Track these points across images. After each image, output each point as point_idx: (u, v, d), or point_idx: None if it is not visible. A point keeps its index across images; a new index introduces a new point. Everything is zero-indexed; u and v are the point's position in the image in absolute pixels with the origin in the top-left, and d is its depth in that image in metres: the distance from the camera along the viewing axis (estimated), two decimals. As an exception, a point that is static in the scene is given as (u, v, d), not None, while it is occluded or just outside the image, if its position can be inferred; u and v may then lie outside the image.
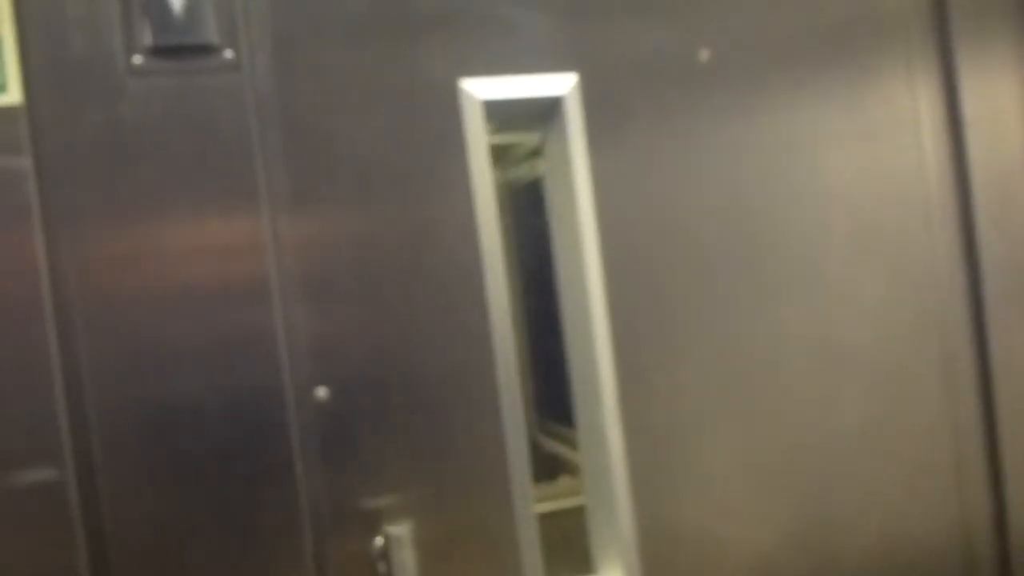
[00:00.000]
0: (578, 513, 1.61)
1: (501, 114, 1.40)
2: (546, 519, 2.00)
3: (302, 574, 1.27)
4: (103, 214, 1.20)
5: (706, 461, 1.49)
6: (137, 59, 1.19)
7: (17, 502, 1.16)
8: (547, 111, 1.44)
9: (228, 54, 1.24)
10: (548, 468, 2.44)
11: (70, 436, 1.17)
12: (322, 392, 1.28)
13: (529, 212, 2.36)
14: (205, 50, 1.23)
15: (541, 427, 2.50)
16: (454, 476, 1.36)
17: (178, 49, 1.21)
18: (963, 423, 1.62)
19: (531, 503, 1.38)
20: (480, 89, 1.35)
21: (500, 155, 2.47)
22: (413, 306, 1.34)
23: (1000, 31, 1.63)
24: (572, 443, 1.76)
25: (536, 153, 1.68)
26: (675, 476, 1.47)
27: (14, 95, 1.15)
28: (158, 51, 1.20)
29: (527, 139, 2.23)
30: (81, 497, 1.18)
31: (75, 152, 1.19)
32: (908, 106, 1.60)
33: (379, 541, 1.29)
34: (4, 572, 1.15)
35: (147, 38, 1.20)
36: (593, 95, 1.42)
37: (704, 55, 1.47)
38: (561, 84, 1.39)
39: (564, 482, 2.24)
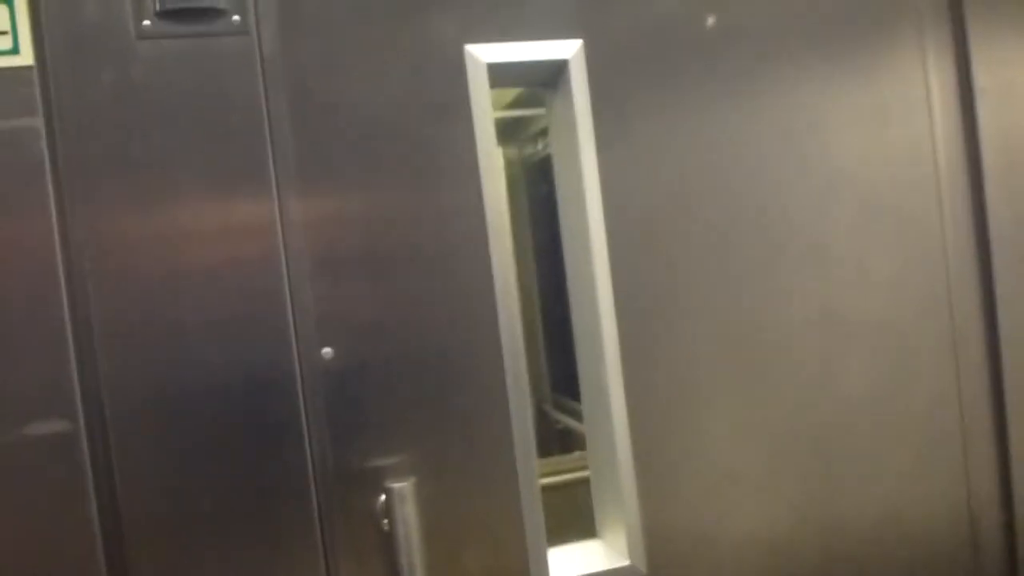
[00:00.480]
0: (589, 484, 1.62)
1: (506, 77, 1.41)
2: (558, 489, 2.03)
3: (308, 529, 1.30)
4: (114, 175, 1.23)
5: (710, 433, 1.49)
6: (147, 21, 1.22)
7: (33, 452, 1.19)
8: (552, 75, 1.45)
9: (235, 18, 1.26)
10: (563, 442, 2.46)
11: (80, 390, 1.21)
12: (327, 352, 1.30)
13: (543, 188, 2.38)
14: (213, 14, 1.25)
15: (555, 402, 2.53)
16: (458, 441, 1.37)
17: (186, 12, 1.23)
18: (970, 398, 1.61)
19: (534, 465, 1.39)
20: (485, 53, 1.36)
21: (514, 132, 2.50)
22: (419, 275, 1.35)
23: (1013, 4, 1.61)
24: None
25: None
26: (679, 447, 1.48)
27: (27, 56, 1.18)
28: (167, 14, 1.23)
29: (540, 114, 2.25)
30: (91, 448, 1.21)
31: (86, 113, 1.21)
32: (919, 78, 1.58)
33: (383, 498, 1.31)
34: (20, 517, 1.19)
35: (157, 1, 1.22)
36: (598, 61, 1.42)
37: (711, 20, 1.47)
38: (566, 49, 1.40)
39: (578, 456, 2.25)
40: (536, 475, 1.40)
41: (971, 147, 1.59)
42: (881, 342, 1.57)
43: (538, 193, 2.47)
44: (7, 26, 1.17)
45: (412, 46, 1.35)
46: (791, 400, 1.53)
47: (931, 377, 1.59)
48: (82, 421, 1.21)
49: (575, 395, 1.57)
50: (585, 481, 1.60)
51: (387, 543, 1.31)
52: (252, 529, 1.28)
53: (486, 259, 1.37)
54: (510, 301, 1.38)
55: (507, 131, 2.48)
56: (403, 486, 1.29)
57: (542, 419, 2.49)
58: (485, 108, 1.36)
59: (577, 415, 2.20)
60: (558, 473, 2.11)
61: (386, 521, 1.31)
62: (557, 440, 2.47)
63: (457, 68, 1.36)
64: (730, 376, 1.50)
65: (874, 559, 1.57)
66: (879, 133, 1.56)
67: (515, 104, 2.31)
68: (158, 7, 1.22)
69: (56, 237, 1.20)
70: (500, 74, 1.38)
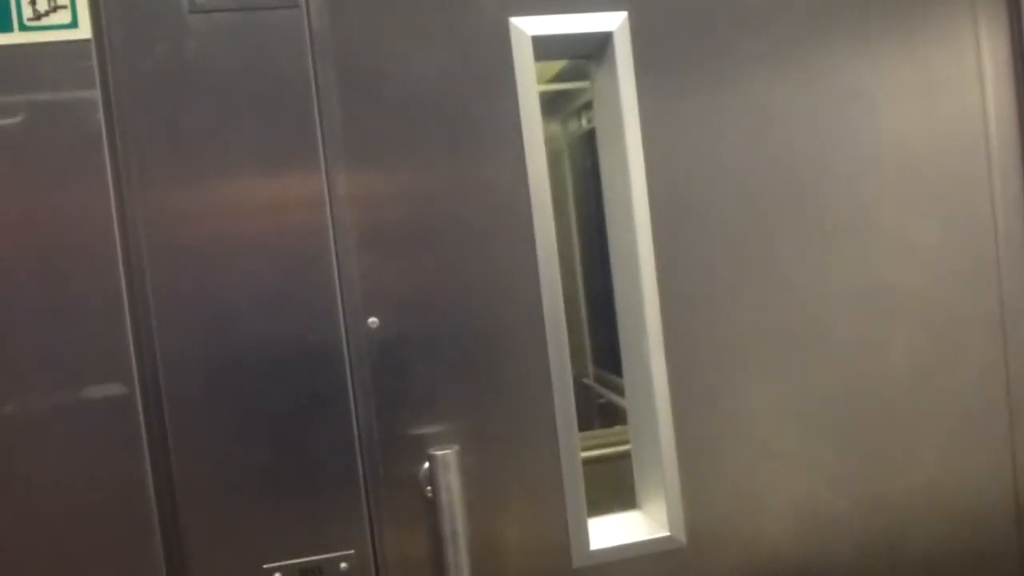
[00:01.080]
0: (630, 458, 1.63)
1: (551, 50, 1.42)
2: (600, 463, 2.04)
3: (353, 494, 1.33)
4: (167, 146, 1.26)
5: (751, 407, 1.49)
6: (199, -5, 1.25)
7: (91, 414, 1.24)
8: (597, 48, 1.45)
9: (285, -9, 1.28)
10: (605, 416, 2.47)
11: (136, 356, 1.25)
12: (373, 322, 1.33)
13: (588, 162, 2.38)
14: (263, -14, 1.27)
15: (597, 377, 2.54)
16: (501, 412, 1.39)
17: (237, -15, 1.26)
18: (1018, 372, 1.59)
19: (575, 437, 1.41)
20: (529, 25, 1.36)
21: (559, 106, 2.49)
22: (463, 248, 1.37)
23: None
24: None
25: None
26: (719, 420, 1.48)
27: (84, 30, 1.21)
28: (218, -13, 1.25)
29: (584, 88, 2.24)
30: (146, 412, 1.25)
31: (141, 86, 1.24)
32: (971, 49, 1.55)
33: (427, 465, 1.33)
34: (78, 475, 1.24)
35: (208, -26, 1.24)
36: (643, 33, 1.42)
37: (756, -8, 1.46)
38: (610, 21, 1.40)
39: (619, 430, 2.26)
40: (577, 447, 1.41)
41: (1023, 117, 1.56)
42: (927, 315, 1.55)
43: (583, 167, 2.47)
44: (66, 0, 1.21)
45: (458, 20, 1.36)
46: (833, 373, 1.52)
47: (977, 351, 1.58)
48: (137, 386, 1.25)
49: (617, 370, 1.58)
50: (626, 455, 1.61)
51: (430, 510, 1.33)
52: (299, 493, 1.31)
53: (529, 233, 1.38)
54: (552, 275, 1.39)
55: (552, 105, 2.48)
56: (446, 453, 1.31)
57: (585, 393, 2.50)
58: (530, 81, 1.37)
59: (619, 390, 2.20)
60: (600, 447, 2.12)
61: (429, 488, 1.33)
62: (599, 414, 2.48)
63: (502, 41, 1.37)
64: (772, 350, 1.49)
65: (915, 534, 1.57)
66: (930, 105, 1.54)
67: (559, 78, 2.31)
68: (210, -20, 1.25)
69: (113, 207, 1.24)
70: (545, 47, 1.39)
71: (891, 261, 1.53)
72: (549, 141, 2.52)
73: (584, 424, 1.61)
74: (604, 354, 2.48)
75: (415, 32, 1.34)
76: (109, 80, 1.23)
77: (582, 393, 2.50)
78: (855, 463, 1.53)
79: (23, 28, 1.19)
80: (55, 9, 1.20)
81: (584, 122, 2.43)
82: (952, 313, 1.56)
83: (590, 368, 2.55)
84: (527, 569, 1.41)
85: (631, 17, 1.41)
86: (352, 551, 1.33)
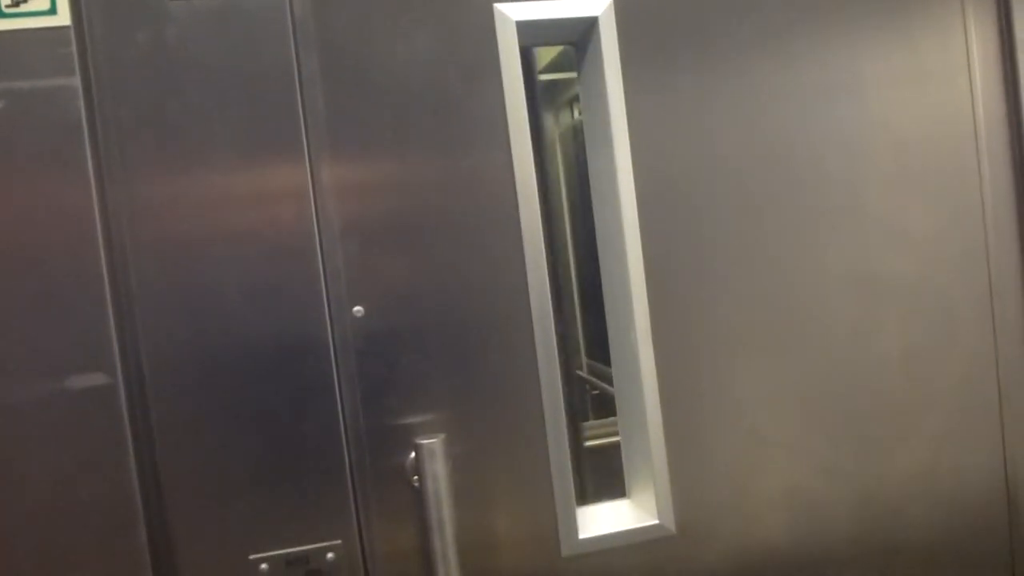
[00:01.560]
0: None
1: (536, 36, 1.41)
2: (595, 452, 2.03)
3: (340, 484, 1.32)
4: (149, 134, 1.25)
5: (740, 394, 1.48)
6: (179, -19, 1.24)
7: (73, 403, 1.23)
8: (582, 33, 1.44)
9: (266, -24, 1.27)
10: (602, 409, 2.47)
11: (119, 345, 1.24)
12: (358, 311, 1.32)
13: (581, 153, 2.37)
14: (244, -28, 1.26)
15: (592, 370, 2.53)
16: (488, 402, 1.38)
17: (217, -28, 1.25)
18: (1008, 358, 1.58)
19: (563, 426, 1.40)
20: (514, 10, 1.35)
21: (553, 97, 2.48)
22: (449, 237, 1.36)
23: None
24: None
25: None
26: (708, 408, 1.47)
27: (63, 16, 1.20)
28: (199, -27, 1.24)
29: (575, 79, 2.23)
30: (129, 402, 1.25)
31: (122, 73, 1.24)
32: (959, 34, 1.54)
33: (413, 455, 1.33)
34: (62, 464, 1.23)
35: (189, -40, 1.24)
36: (629, 18, 1.41)
37: (744, -23, 1.45)
38: (595, 6, 1.39)
39: (612, 421, 2.25)
40: (565, 435, 1.41)
41: (1012, 104, 1.55)
42: (917, 302, 1.54)
43: (576, 159, 2.46)
44: (44, -14, 1.20)
45: (442, 6, 1.35)
46: (824, 361, 1.51)
47: (968, 338, 1.57)
48: (120, 376, 1.24)
49: (609, 361, 1.57)
50: (619, 445, 1.61)
51: (417, 499, 1.33)
52: (285, 484, 1.30)
53: (515, 221, 1.38)
54: (539, 265, 1.39)
55: (545, 96, 2.47)
56: (432, 442, 1.30)
57: (579, 385, 2.49)
58: (514, 67, 1.36)
59: (612, 381, 2.20)
60: (593, 438, 2.11)
61: (416, 477, 1.32)
62: (594, 406, 2.48)
63: (487, 27, 1.36)
64: (761, 337, 1.48)
65: (907, 522, 1.56)
66: (918, 90, 1.53)
67: (551, 68, 2.30)
68: (190, -34, 1.24)
69: (94, 195, 1.23)
70: (530, 32, 1.38)
71: (882, 249, 1.52)
72: (543, 132, 2.51)
73: (579, 416, 1.60)
74: (598, 346, 2.47)
75: (399, 19, 1.33)
76: (89, 67, 1.22)
77: (576, 385, 2.49)
78: (845, 451, 1.53)
79: (1, 15, 1.18)
80: (33, -5, 1.20)
81: (576, 113, 2.42)
82: (943, 300, 1.55)
83: (584, 360, 2.55)
84: (515, 558, 1.40)
85: (616, 2, 1.40)
86: (339, 541, 1.32)
